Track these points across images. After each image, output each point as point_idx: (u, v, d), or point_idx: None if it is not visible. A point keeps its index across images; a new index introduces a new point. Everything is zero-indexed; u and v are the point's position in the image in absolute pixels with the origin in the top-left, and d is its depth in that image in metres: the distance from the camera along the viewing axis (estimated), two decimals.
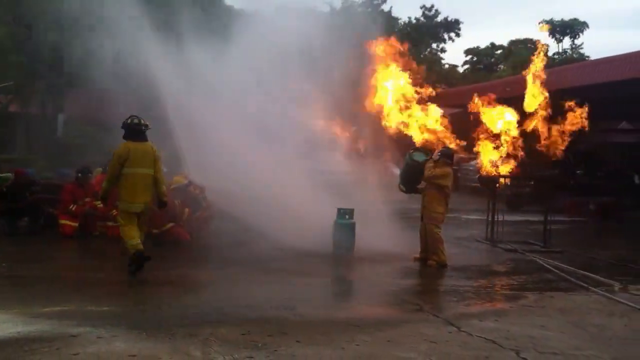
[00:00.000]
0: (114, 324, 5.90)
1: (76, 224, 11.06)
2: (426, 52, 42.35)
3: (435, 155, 10.32)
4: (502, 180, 12.58)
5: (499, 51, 44.73)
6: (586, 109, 11.55)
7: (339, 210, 10.63)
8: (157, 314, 6.45)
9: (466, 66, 46.38)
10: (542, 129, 11.96)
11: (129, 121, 8.52)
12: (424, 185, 10.31)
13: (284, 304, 7.09)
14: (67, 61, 11.77)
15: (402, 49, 11.54)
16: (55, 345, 5.25)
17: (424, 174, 10.19)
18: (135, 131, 8.46)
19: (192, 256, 10.27)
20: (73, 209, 11.17)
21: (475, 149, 12.07)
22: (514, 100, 12.51)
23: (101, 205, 11.00)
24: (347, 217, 10.61)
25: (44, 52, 12.55)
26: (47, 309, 6.39)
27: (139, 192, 8.37)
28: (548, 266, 10.19)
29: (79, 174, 11.62)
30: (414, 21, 43.37)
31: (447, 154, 10.30)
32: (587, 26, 41.72)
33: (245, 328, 5.99)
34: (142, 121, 8.53)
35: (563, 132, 11.76)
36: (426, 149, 10.85)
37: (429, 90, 11.31)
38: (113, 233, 10.89)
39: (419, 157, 10.59)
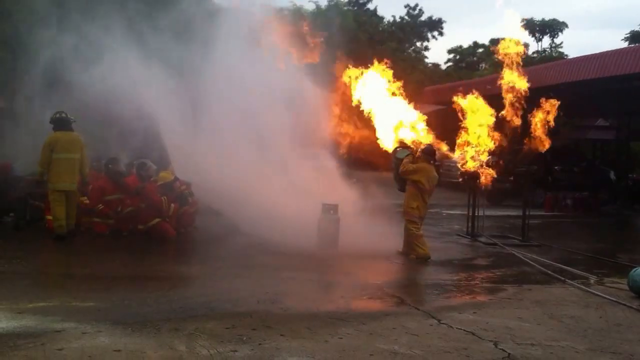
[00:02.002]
0: (99, 319, 5.94)
1: None
2: (410, 51, 42.53)
3: (418, 153, 10.49)
4: (484, 177, 12.73)
5: (480, 50, 45.05)
6: (556, 105, 11.74)
7: (323, 205, 10.73)
8: (142, 309, 6.50)
9: (449, 64, 46.66)
10: (520, 125, 12.14)
11: (57, 115, 10.21)
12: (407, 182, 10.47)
13: (269, 298, 7.18)
14: (54, 59, 11.68)
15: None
16: (40, 341, 5.27)
17: (399, 170, 10.40)
18: (62, 122, 10.19)
19: (178, 252, 10.34)
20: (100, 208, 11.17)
21: (456, 146, 12.22)
22: (495, 98, 12.68)
23: (86, 200, 11.10)
24: (331, 212, 10.71)
25: (30, 48, 12.46)
26: (32, 305, 6.41)
27: (64, 174, 10.07)
28: (526, 260, 10.40)
29: None
30: (398, 20, 43.53)
31: (428, 152, 10.47)
32: (566, 26, 42.28)
33: (230, 322, 6.07)
34: (68, 115, 10.19)
35: (540, 129, 11.95)
36: (411, 146, 10.97)
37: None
38: (99, 229, 10.94)
39: (402, 154, 10.75)
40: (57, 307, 6.43)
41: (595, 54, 16.43)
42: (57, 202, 10.08)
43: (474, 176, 12.40)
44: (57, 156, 10.08)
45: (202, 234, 11.25)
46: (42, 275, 8.20)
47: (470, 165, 11.78)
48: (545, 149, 12.41)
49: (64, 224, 10.09)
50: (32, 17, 11.94)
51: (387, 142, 11.26)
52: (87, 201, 11.08)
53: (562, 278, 9.00)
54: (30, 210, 11.36)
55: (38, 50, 11.60)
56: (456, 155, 11.88)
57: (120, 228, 11.03)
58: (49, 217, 10.67)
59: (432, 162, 10.53)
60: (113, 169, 11.32)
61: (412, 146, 10.95)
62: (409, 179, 10.32)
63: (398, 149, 10.94)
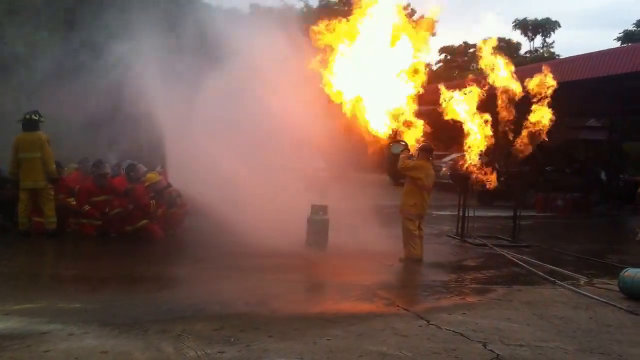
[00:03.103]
0: (86, 321, 5.89)
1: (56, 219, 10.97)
2: None
3: (415, 151, 10.46)
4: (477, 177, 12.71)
5: (472, 50, 45.16)
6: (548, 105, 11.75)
7: (313, 206, 10.71)
8: (130, 311, 6.45)
9: (440, 64, 46.78)
10: (512, 126, 12.15)
11: (25, 117, 10.51)
12: (404, 179, 10.43)
13: (257, 300, 7.15)
14: (42, 59, 11.63)
15: None
16: (26, 343, 5.23)
17: (398, 166, 10.34)
18: (27, 124, 10.50)
19: (166, 253, 10.27)
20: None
21: (447, 147, 12.24)
22: (486, 98, 12.67)
23: (74, 202, 11.03)
24: (321, 213, 10.70)
25: (19, 49, 12.40)
26: (19, 307, 6.35)
27: (28, 173, 10.44)
28: (516, 261, 10.39)
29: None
30: None
31: (426, 149, 10.45)
32: (559, 25, 42.42)
33: (218, 324, 6.04)
34: (33, 116, 10.47)
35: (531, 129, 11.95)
36: (404, 142, 10.94)
37: None
38: (87, 230, 10.87)
39: (396, 149, 10.71)
40: (43, 309, 6.37)
41: (588, 54, 16.47)
42: (20, 201, 10.52)
43: (464, 177, 12.41)
44: (21, 156, 10.48)
45: (190, 235, 11.18)
46: (28, 276, 8.12)
47: (468, 165, 11.76)
48: (536, 150, 12.43)
49: (23, 221, 10.50)
50: (19, 18, 11.87)
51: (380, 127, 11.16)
52: (75, 202, 11.01)
53: (552, 279, 9.00)
54: (17, 212, 11.25)
55: (26, 50, 11.54)
56: (449, 157, 11.89)
57: (108, 229, 10.95)
58: (36, 219, 10.62)
59: (430, 159, 10.52)
60: (98, 172, 11.23)
61: (405, 141, 10.92)
62: (407, 176, 10.27)
63: (392, 144, 10.89)
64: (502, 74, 12.10)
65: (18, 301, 6.56)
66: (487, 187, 12.79)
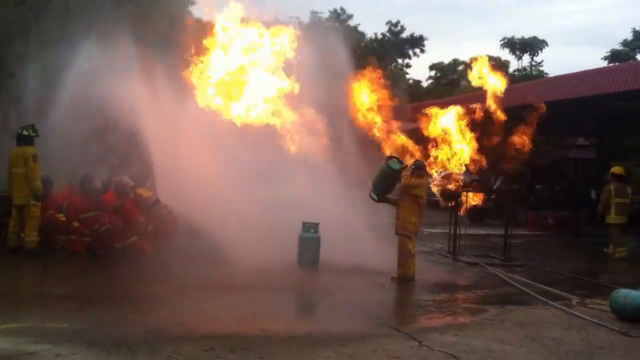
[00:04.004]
0: (73, 341, 5.79)
1: (37, 238, 10.81)
2: (391, 67, 42.79)
3: (410, 167, 10.44)
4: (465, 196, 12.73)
5: (461, 67, 45.47)
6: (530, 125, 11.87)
7: (304, 224, 10.65)
8: (118, 331, 6.35)
9: (430, 81, 47.04)
10: (501, 144, 12.22)
11: (17, 131, 10.52)
12: (399, 195, 10.37)
13: (247, 319, 7.08)
14: (31, 73, 11.56)
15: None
16: None
17: (401, 182, 10.25)
18: (18, 138, 10.49)
19: (154, 271, 10.11)
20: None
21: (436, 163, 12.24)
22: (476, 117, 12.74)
23: (63, 217, 10.92)
24: (312, 231, 10.64)
25: (7, 63, 12.33)
26: (5, 326, 6.24)
27: (15, 188, 10.44)
28: (508, 280, 10.36)
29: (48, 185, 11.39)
30: (379, 37, 43.83)
31: (421, 167, 10.44)
32: (547, 44, 42.74)
33: (208, 344, 5.95)
34: (24, 131, 10.45)
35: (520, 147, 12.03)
36: (400, 158, 10.95)
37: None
38: (75, 247, 10.74)
39: (395, 165, 10.65)
40: (30, 328, 6.27)
41: (576, 73, 16.58)
42: (11, 216, 10.53)
43: (454, 196, 12.42)
44: (12, 171, 10.53)
45: (180, 252, 11.03)
46: (15, 295, 8.03)
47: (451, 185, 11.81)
48: (526, 168, 12.50)
49: (12, 237, 10.47)
50: (11, 31, 11.81)
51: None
52: (63, 218, 10.89)
53: (544, 299, 8.95)
54: (4, 228, 11.12)
55: (18, 64, 11.48)
56: (434, 174, 11.88)
57: (97, 246, 10.81)
58: (25, 236, 10.49)
59: (423, 176, 10.50)
60: (87, 187, 11.13)
61: (399, 157, 10.93)
62: (410, 193, 10.21)
63: (389, 159, 10.82)
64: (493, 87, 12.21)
65: (4, 320, 6.43)
66: (476, 204, 12.86)
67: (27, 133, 10.51)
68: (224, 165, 11.44)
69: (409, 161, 10.84)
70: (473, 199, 12.87)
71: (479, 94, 13.10)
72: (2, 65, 11.94)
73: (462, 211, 12.66)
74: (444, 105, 12.68)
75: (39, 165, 10.48)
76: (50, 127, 10.66)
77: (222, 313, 7.40)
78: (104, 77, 11.03)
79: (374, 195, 10.81)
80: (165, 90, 11.54)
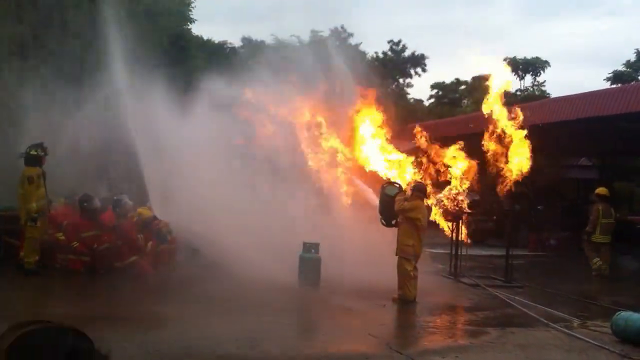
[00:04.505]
0: None
1: (37, 257, 10.78)
2: (393, 87, 42.94)
3: (409, 190, 10.46)
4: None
5: (463, 87, 45.55)
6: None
7: (304, 244, 10.63)
8: (117, 352, 6.28)
9: (432, 100, 47.11)
10: (503, 164, 12.23)
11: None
12: (399, 219, 10.38)
13: (248, 341, 7.02)
14: (31, 88, 11.63)
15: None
16: None
17: (395, 207, 10.29)
18: (24, 159, 10.40)
19: (155, 291, 10.10)
20: None
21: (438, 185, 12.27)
22: (477, 136, 12.77)
23: (62, 237, 10.90)
24: (312, 251, 10.62)
25: (5, 79, 12.42)
26: None
27: (19, 208, 10.38)
28: (510, 301, 10.31)
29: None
30: (381, 55, 43.99)
31: (420, 189, 10.44)
32: (549, 64, 42.82)
33: None
34: (31, 151, 10.35)
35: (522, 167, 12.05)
36: (399, 183, 10.98)
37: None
38: (74, 266, 10.71)
39: (390, 191, 10.70)
40: None
41: (579, 94, 16.59)
42: (10, 235, 10.73)
43: (457, 216, 12.41)
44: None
45: (180, 272, 11.02)
46: (12, 316, 7.87)
47: (450, 205, 11.83)
48: (528, 189, 12.49)
49: (27, 260, 10.32)
50: (8, 47, 11.90)
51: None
52: (63, 237, 10.88)
53: (546, 321, 8.90)
54: (3, 247, 11.11)
55: (16, 81, 11.54)
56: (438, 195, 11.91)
57: (96, 265, 10.78)
58: (23, 256, 10.49)
59: (424, 198, 10.50)
60: (87, 207, 11.12)
61: (399, 183, 10.97)
62: (405, 217, 10.21)
63: (386, 185, 10.89)
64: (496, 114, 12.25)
65: None
66: (479, 224, 12.87)
67: (35, 153, 10.44)
68: (226, 184, 11.47)
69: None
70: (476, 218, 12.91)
71: (481, 114, 13.11)
72: (0, 81, 12.01)
73: (465, 236, 12.66)
74: (445, 126, 12.73)
75: (40, 187, 10.38)
76: (49, 145, 10.69)
77: (223, 334, 7.33)
78: (102, 96, 11.11)
79: (382, 222, 10.83)
80: (164, 109, 11.61)
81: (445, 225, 12.47)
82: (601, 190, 15.11)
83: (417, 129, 12.53)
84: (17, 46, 12.40)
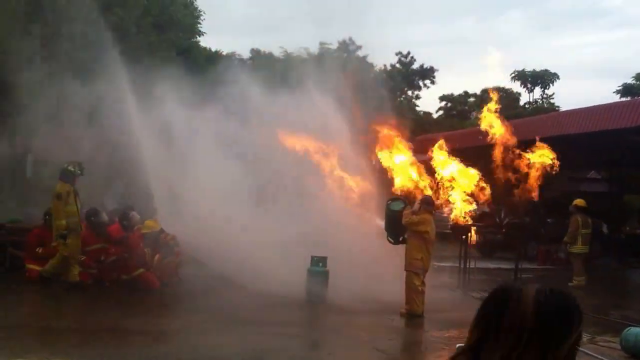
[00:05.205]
0: None
1: (54, 270, 10.78)
2: (401, 99, 42.93)
3: (416, 205, 10.39)
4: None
5: (471, 99, 45.51)
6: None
7: (312, 258, 10.57)
8: None
9: (440, 112, 47.07)
10: (511, 177, 12.17)
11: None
12: (407, 234, 10.32)
13: (254, 356, 7.00)
14: (38, 101, 11.69)
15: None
16: None
17: (403, 221, 10.22)
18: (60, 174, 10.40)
19: (161, 304, 10.10)
20: (39, 251, 10.90)
21: (445, 197, 12.20)
22: (485, 148, 12.72)
23: None
24: (320, 265, 10.56)
25: (14, 91, 12.50)
26: None
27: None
28: None
29: (47, 217, 11.38)
30: (389, 68, 44.05)
31: (428, 202, 10.37)
32: (558, 77, 42.72)
33: None
34: (69, 167, 10.35)
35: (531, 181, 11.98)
36: (405, 198, 10.91)
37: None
38: (81, 278, 10.70)
39: (396, 206, 10.63)
40: None
41: (588, 107, 16.52)
42: (16, 246, 10.79)
43: (465, 229, 12.34)
44: None
45: (186, 285, 10.99)
46: (19, 328, 7.89)
47: (459, 218, 11.75)
48: (537, 201, 12.42)
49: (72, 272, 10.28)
50: (20, 58, 11.97)
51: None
52: None
53: None
54: (10, 259, 11.11)
55: (25, 92, 11.60)
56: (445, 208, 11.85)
57: (103, 278, 10.79)
58: (29, 266, 10.50)
59: (432, 212, 10.43)
60: (95, 221, 11.12)
61: (403, 197, 10.91)
62: (413, 231, 10.16)
63: (390, 202, 10.81)
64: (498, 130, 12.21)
65: (8, 355, 6.39)
66: (487, 237, 12.79)
67: (71, 169, 10.41)
68: (233, 197, 11.46)
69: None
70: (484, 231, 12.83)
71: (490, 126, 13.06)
72: (9, 95, 12.07)
73: (472, 243, 12.57)
74: (453, 139, 12.69)
75: (70, 204, 10.33)
76: (56, 158, 10.73)
77: (228, 348, 7.29)
78: (109, 107, 11.14)
79: (390, 239, 10.74)
80: (171, 120, 11.63)
81: None
82: (579, 201, 15.45)
83: (441, 141, 12.41)
84: (26, 58, 12.47)
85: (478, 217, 12.58)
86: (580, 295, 11.55)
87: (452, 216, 11.96)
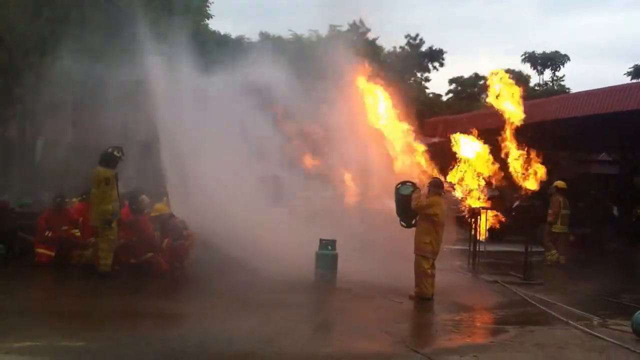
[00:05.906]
0: None
1: (52, 253, 10.82)
2: (411, 81, 42.61)
3: (425, 187, 10.34)
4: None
5: (481, 82, 45.12)
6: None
7: (321, 240, 10.57)
8: (133, 349, 6.31)
9: (450, 95, 46.73)
10: (521, 160, 12.12)
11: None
12: (418, 217, 10.27)
13: (264, 339, 6.99)
14: (48, 85, 11.67)
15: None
16: None
17: (412, 205, 10.17)
18: (100, 158, 10.28)
19: (170, 287, 10.12)
20: (49, 235, 10.92)
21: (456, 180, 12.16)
22: (495, 131, 12.65)
23: (78, 233, 10.95)
24: (329, 247, 10.55)
25: (23, 75, 12.48)
26: (19, 344, 6.22)
27: (90, 209, 10.36)
28: (528, 299, 10.18)
29: (83, 196, 11.40)
30: (398, 50, 43.67)
31: (436, 184, 10.31)
32: (568, 59, 42.25)
33: None
34: (113, 152, 10.24)
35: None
36: (413, 181, 10.84)
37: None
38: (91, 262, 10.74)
39: (405, 190, 10.56)
40: (45, 347, 6.24)
41: (599, 89, 16.33)
42: (25, 230, 10.67)
43: (476, 212, 12.30)
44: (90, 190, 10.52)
45: (196, 268, 11.00)
46: (30, 312, 7.92)
47: (473, 203, 11.71)
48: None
49: (103, 262, 10.13)
50: (26, 44, 11.95)
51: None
52: (79, 234, 10.92)
53: (565, 319, 8.75)
54: (20, 243, 11.16)
55: (32, 77, 11.58)
56: (457, 192, 11.81)
57: (113, 262, 10.77)
58: (39, 251, 10.53)
59: (441, 194, 10.37)
60: None
61: (413, 181, 10.85)
62: (423, 214, 10.12)
63: (399, 185, 10.74)
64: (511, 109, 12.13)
65: (18, 338, 6.41)
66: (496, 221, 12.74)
67: (117, 154, 10.34)
68: (242, 180, 11.46)
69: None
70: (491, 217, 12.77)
71: (499, 109, 12.95)
72: (18, 78, 12.06)
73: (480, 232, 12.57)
74: (463, 122, 12.62)
75: (114, 189, 10.26)
76: (66, 142, 10.72)
77: (239, 331, 7.29)
78: (120, 92, 11.11)
79: (402, 223, 10.68)
80: (182, 102, 11.60)
81: None
82: (559, 183, 15.99)
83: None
84: (35, 42, 12.45)
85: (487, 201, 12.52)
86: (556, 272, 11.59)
87: (467, 201, 11.97)
